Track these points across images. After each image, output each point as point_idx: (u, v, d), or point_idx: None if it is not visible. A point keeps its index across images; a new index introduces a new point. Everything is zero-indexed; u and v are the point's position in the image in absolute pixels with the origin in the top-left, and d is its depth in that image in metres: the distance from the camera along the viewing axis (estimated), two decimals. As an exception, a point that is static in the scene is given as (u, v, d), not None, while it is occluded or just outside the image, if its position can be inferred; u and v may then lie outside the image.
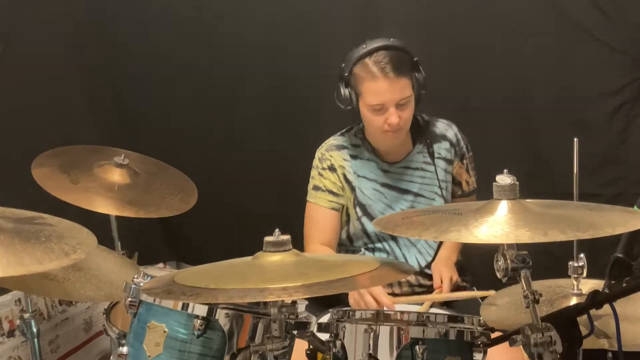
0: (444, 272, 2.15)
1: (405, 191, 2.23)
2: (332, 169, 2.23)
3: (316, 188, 2.25)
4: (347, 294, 2.05)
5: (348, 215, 2.26)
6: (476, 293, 2.12)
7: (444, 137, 2.26)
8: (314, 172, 2.26)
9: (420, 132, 2.24)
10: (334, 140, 2.28)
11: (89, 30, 2.97)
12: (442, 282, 2.13)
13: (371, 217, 2.22)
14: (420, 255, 2.24)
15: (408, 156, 2.24)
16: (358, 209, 2.23)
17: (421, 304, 2.06)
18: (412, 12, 2.71)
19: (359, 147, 2.24)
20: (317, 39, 2.84)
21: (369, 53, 2.05)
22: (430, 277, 2.22)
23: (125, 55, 3.05)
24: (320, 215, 2.24)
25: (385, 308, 1.93)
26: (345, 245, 2.29)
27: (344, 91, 2.11)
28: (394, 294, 2.19)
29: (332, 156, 2.23)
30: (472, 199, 2.31)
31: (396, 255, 2.23)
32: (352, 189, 2.22)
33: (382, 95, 2.04)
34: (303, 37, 2.87)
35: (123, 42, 3.04)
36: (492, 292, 1.90)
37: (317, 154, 2.27)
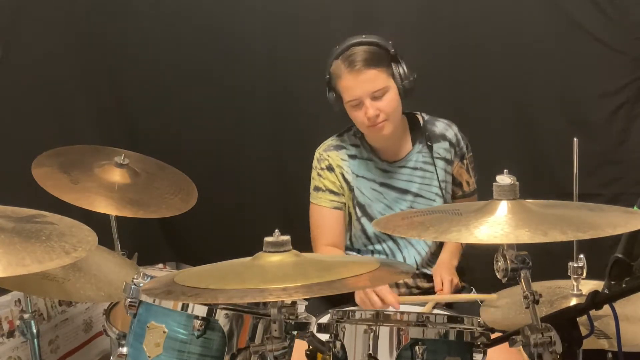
0: (445, 276, 2.15)
1: (405, 191, 2.23)
2: (330, 168, 2.23)
3: (317, 189, 2.25)
4: (351, 294, 2.05)
5: (350, 215, 2.26)
6: (478, 296, 2.11)
7: (443, 137, 2.26)
8: (313, 173, 2.27)
9: (420, 132, 2.24)
10: (332, 140, 2.28)
11: (89, 31, 2.97)
12: (442, 285, 2.14)
13: (370, 218, 2.22)
14: (419, 256, 2.24)
15: (407, 155, 2.24)
16: (358, 210, 2.23)
17: (423, 304, 2.06)
18: (412, 13, 2.71)
19: (357, 146, 2.24)
20: (317, 40, 2.83)
21: (341, 52, 2.08)
22: (427, 278, 2.23)
23: (125, 55, 3.05)
24: (324, 215, 2.24)
25: (391, 307, 1.93)
26: (347, 247, 2.29)
27: (329, 94, 2.15)
28: None
29: (329, 156, 2.23)
30: (472, 199, 2.31)
31: (395, 256, 2.23)
32: (351, 189, 2.22)
33: (352, 89, 2.05)
34: (303, 38, 2.87)
35: (123, 43, 3.04)
36: (494, 296, 1.86)
37: (316, 155, 2.27)
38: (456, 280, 2.18)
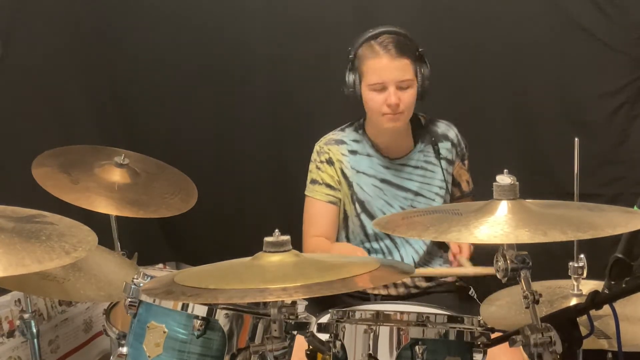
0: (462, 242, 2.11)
1: (405, 189, 2.23)
2: (330, 162, 2.23)
3: (314, 182, 2.25)
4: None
5: (346, 212, 2.25)
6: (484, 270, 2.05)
7: (445, 137, 2.26)
8: (312, 166, 2.26)
9: (422, 132, 2.25)
10: (334, 134, 2.28)
11: (89, 30, 2.97)
12: (461, 249, 2.11)
13: (369, 214, 2.22)
14: (416, 254, 2.24)
15: (409, 154, 2.24)
16: (357, 205, 2.22)
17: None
18: (413, 14, 2.70)
19: (359, 142, 2.24)
20: (317, 40, 2.84)
21: (375, 36, 2.10)
22: (425, 277, 2.22)
23: (125, 55, 3.05)
24: (318, 209, 2.24)
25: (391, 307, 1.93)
26: (344, 246, 2.29)
27: (348, 75, 2.14)
28: (389, 295, 2.19)
29: (330, 150, 2.23)
30: (468, 200, 2.31)
31: (392, 254, 2.23)
32: (349, 184, 2.22)
33: (382, 72, 2.06)
34: (303, 39, 2.87)
35: (123, 42, 3.03)
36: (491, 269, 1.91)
37: (316, 147, 2.27)
38: (472, 246, 2.14)
